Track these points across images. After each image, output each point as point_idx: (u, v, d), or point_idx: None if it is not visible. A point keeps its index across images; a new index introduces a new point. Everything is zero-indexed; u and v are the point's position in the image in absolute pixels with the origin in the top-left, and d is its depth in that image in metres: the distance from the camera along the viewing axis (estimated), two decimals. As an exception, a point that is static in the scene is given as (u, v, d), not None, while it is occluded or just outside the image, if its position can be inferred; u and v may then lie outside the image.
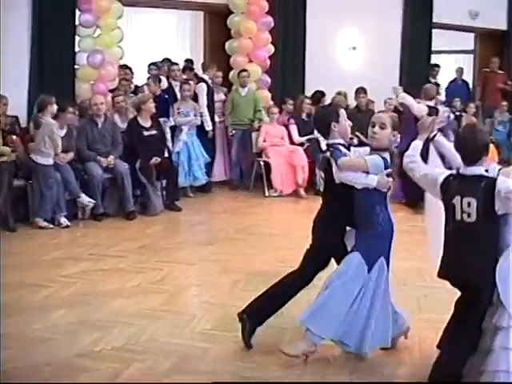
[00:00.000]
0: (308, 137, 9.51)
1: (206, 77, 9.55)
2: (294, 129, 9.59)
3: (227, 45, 9.78)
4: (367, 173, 3.88)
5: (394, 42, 11.60)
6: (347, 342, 3.89)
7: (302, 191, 9.16)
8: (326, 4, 10.48)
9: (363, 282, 3.86)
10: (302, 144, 9.54)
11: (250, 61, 9.81)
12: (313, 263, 4.17)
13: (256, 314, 4.17)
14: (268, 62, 9.97)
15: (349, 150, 4.09)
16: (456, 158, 3.67)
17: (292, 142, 9.57)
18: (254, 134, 9.62)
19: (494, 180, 3.41)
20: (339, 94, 10.13)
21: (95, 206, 7.50)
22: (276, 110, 9.63)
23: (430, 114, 7.01)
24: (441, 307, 4.18)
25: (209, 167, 9.28)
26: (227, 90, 9.74)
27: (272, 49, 9.95)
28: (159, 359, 3.98)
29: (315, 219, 4.19)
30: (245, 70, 9.54)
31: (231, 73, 9.84)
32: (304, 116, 9.69)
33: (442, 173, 3.66)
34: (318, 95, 10.13)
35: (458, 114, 11.77)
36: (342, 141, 4.09)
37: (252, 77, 9.65)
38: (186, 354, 4.07)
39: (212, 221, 8.02)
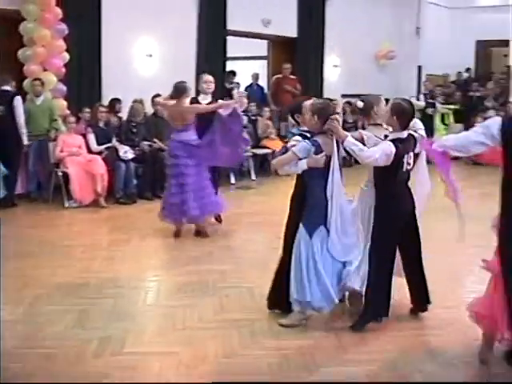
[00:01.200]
0: (106, 145, 10.13)
1: (8, 88, 9.44)
2: (91, 137, 10.00)
3: (20, 53, 9.80)
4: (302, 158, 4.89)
5: (190, 49, 12.35)
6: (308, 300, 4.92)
7: (101, 200, 9.60)
8: (121, 12, 10.94)
9: (308, 248, 4.90)
10: (100, 152, 9.99)
11: (45, 69, 9.94)
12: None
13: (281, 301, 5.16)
14: (63, 70, 10.15)
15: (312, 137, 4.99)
16: None
17: (90, 151, 9.98)
18: (50, 144, 9.89)
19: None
20: (135, 101, 10.85)
21: None
22: (73, 118, 9.94)
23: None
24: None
25: (8, 180, 9.13)
26: (22, 99, 9.68)
27: (67, 57, 10.14)
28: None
29: (291, 198, 5.21)
30: (38, 79, 9.69)
31: (25, 82, 9.89)
32: (101, 124, 10.14)
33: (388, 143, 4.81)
34: (115, 103, 10.70)
35: (253, 117, 13.06)
36: (306, 128, 5.10)
37: (47, 85, 9.84)
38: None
39: (14, 235, 8.03)
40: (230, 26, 12.98)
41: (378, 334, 4.94)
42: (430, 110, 14.98)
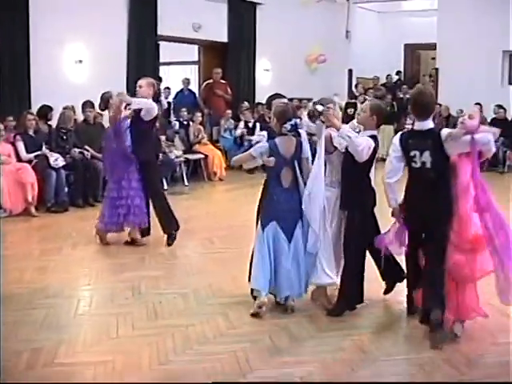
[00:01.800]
0: (36, 153, 10.00)
1: None
2: (20, 146, 9.82)
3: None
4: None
5: (120, 55, 12.35)
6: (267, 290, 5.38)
7: (32, 209, 9.46)
8: (50, 17, 10.84)
9: (261, 240, 5.41)
10: (30, 161, 9.83)
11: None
12: None
13: None
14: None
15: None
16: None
17: (20, 160, 9.81)
18: (-22, 154, 9.67)
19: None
20: (66, 108, 10.74)
21: None
22: (1, 126, 9.81)
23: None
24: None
25: None
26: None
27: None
28: None
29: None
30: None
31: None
32: (31, 132, 9.97)
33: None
34: (45, 110, 10.52)
35: (185, 123, 13.09)
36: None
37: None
38: None
39: None
40: (161, 32, 13.01)
41: (313, 335, 5.07)
42: (350, 111, 15.11)
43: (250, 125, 13.91)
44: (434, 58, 17.93)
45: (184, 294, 6.00)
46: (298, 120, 5.47)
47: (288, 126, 5.37)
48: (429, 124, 5.05)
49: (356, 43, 18.28)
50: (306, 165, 5.48)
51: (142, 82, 7.78)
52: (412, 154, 5.02)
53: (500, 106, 14.82)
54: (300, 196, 5.42)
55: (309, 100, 15.95)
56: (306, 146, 5.56)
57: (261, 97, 15.18)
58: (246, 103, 14.43)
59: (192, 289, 6.11)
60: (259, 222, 5.54)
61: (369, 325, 5.31)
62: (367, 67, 18.43)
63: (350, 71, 17.99)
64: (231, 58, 14.80)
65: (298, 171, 5.47)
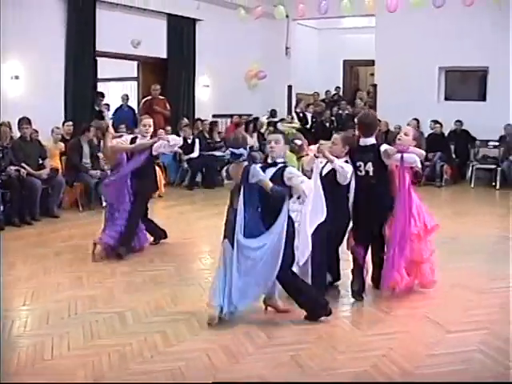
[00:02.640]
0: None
1: None
2: None
3: None
4: None
5: (58, 71, 12.25)
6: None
7: None
8: None
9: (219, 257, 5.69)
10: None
11: None
12: None
13: None
14: None
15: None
16: None
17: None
18: None
19: None
20: (2, 124, 10.56)
21: None
22: None
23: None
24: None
25: None
26: None
27: None
28: None
29: None
30: None
31: None
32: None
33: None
34: (-20, 126, 10.46)
35: (125, 140, 12.98)
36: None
37: None
38: None
39: None
40: (100, 47, 12.93)
41: (250, 352, 5.09)
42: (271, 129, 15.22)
43: (190, 141, 13.93)
44: (372, 74, 18.26)
45: (121, 313, 5.96)
46: (242, 149, 5.55)
47: (229, 153, 5.60)
48: (372, 140, 6.27)
49: (296, 59, 18.50)
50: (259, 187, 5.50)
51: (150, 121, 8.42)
52: (357, 164, 6.19)
53: (436, 122, 15.20)
54: (245, 216, 5.47)
55: (248, 116, 16.12)
56: (256, 171, 5.53)
57: (200, 113, 15.28)
58: (186, 119, 14.45)
59: (130, 307, 6.08)
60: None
61: (308, 340, 5.37)
62: (307, 83, 18.67)
63: (290, 87, 18.20)
64: (171, 74, 14.82)
65: (244, 195, 5.46)
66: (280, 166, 5.67)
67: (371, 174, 6.16)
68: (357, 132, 6.71)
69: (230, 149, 5.58)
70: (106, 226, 8.09)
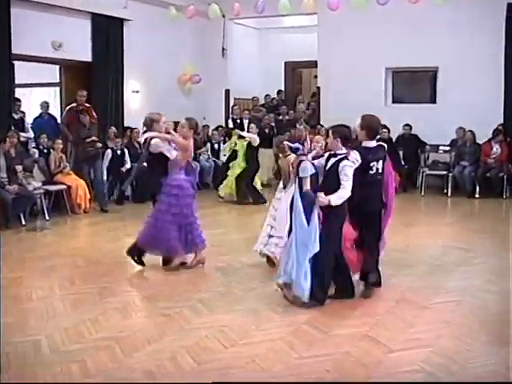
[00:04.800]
0: None
1: None
2: None
3: None
4: None
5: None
6: None
7: None
8: None
9: None
10: None
11: None
12: None
13: None
14: None
15: None
16: None
17: None
18: None
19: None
20: None
21: None
22: None
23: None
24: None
25: None
26: None
27: None
28: None
29: None
30: None
31: None
32: None
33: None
34: None
35: (45, 151, 12.83)
36: None
37: None
38: None
39: None
40: (16, 50, 12.69)
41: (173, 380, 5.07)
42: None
43: (119, 152, 13.83)
44: (316, 77, 18.43)
45: (36, 341, 5.86)
46: (298, 144, 7.12)
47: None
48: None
49: (233, 62, 18.56)
50: None
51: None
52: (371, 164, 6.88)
53: (384, 126, 15.38)
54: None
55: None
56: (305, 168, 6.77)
57: (130, 121, 15.16)
58: (114, 128, 14.34)
59: (46, 335, 5.98)
60: None
61: (239, 364, 5.36)
62: (246, 87, 18.75)
63: (228, 91, 18.26)
64: (96, 79, 14.69)
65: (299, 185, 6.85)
66: (340, 157, 6.65)
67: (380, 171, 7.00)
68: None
69: (286, 142, 7.63)
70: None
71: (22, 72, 14.47)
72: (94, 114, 13.75)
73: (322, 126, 15.26)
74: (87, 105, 13.74)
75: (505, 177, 14.37)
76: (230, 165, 14.30)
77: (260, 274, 8.07)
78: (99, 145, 13.19)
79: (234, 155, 14.35)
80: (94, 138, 13.02)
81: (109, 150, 13.83)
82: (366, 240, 7.09)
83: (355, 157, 6.72)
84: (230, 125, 16.11)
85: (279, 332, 6.07)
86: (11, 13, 12.56)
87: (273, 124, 16.67)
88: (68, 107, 13.75)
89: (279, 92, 19.83)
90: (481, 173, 14.51)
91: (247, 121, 16.18)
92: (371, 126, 7.02)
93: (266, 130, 15.86)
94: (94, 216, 12.42)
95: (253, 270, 8.33)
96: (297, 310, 6.63)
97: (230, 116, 16.89)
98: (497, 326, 6.15)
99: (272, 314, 6.57)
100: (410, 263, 8.60)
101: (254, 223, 10.91)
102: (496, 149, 14.64)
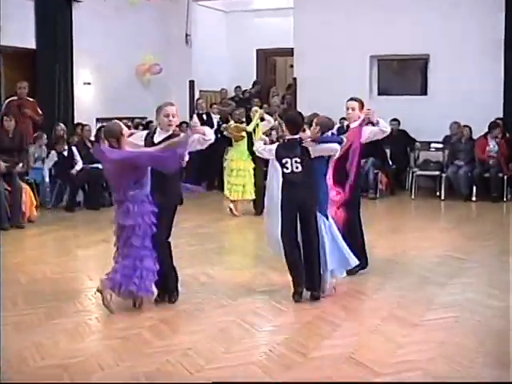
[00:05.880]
0: None
1: None
2: None
3: None
4: None
5: None
6: None
7: None
8: None
9: None
10: None
11: None
12: None
13: None
14: None
15: None
16: None
17: None
18: None
19: None
20: None
21: None
22: None
23: None
24: None
25: None
26: None
27: None
28: None
29: None
30: None
31: None
32: None
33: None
34: None
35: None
36: None
37: None
38: None
39: None
40: None
41: None
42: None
43: (66, 153, 13.72)
44: (292, 66, 18.45)
45: (-29, 372, 5.77)
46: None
47: None
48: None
49: (198, 49, 18.56)
50: None
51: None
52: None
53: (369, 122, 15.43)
54: None
55: (142, 118, 16.02)
56: None
57: (81, 116, 15.08)
58: (62, 125, 14.24)
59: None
60: None
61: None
62: (213, 78, 18.74)
63: (192, 83, 18.22)
64: (41, 68, 14.64)
65: None
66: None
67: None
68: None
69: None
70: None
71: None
72: (39, 109, 13.66)
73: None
74: (30, 99, 13.64)
75: (505, 177, 14.45)
76: (227, 158, 13.79)
77: (230, 289, 8.03)
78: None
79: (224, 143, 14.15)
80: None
81: (53, 151, 13.72)
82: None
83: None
84: (195, 120, 16.07)
85: (252, 354, 6.04)
86: None
87: (243, 120, 16.59)
88: (6, 101, 13.65)
89: (255, 84, 19.80)
90: (478, 173, 14.58)
91: (218, 116, 16.16)
92: (294, 121, 7.72)
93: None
94: (40, 225, 12.29)
95: (222, 285, 8.30)
96: (271, 330, 6.61)
97: (195, 111, 16.85)
98: (497, 347, 6.16)
99: (243, 334, 6.54)
100: (398, 274, 8.62)
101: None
102: (493, 145, 14.68)
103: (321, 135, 7.61)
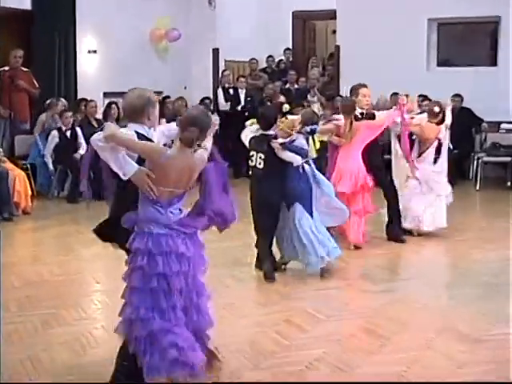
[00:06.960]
0: None
1: None
2: None
3: None
4: None
5: None
6: None
7: None
8: None
9: None
10: None
11: None
12: None
13: None
14: None
15: None
16: None
17: None
18: None
19: None
20: None
21: None
22: None
23: None
24: None
25: None
26: None
27: None
28: None
29: None
30: None
31: None
32: None
33: None
34: None
35: None
36: None
37: None
38: None
39: None
40: None
41: None
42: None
43: (69, 133, 13.81)
44: (335, 32, 18.41)
45: (-43, 388, 5.88)
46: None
47: None
48: None
49: (224, 12, 18.58)
50: None
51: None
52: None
53: (425, 97, 15.31)
54: None
55: (157, 94, 16.05)
56: None
57: (85, 91, 15.16)
58: (64, 101, 14.34)
59: (-30, 379, 6.01)
60: None
61: None
62: (241, 46, 18.73)
63: (216, 52, 18.24)
64: (38, 34, 14.74)
65: None
66: None
67: None
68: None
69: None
70: None
71: None
72: (35, 81, 13.75)
73: (342, 97, 15.24)
74: (24, 69, 13.74)
75: None
76: None
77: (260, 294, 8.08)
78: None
79: None
80: None
81: (54, 132, 13.81)
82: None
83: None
84: (220, 96, 16.09)
85: (284, 372, 6.09)
86: None
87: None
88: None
89: (286, 51, 19.76)
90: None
91: (244, 91, 16.15)
92: (267, 116, 8.90)
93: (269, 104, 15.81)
94: (37, 218, 12.39)
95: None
96: (307, 343, 6.65)
97: (220, 85, 16.88)
98: None
99: (275, 348, 6.58)
100: (457, 281, 8.62)
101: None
102: None
103: (302, 127, 8.83)
